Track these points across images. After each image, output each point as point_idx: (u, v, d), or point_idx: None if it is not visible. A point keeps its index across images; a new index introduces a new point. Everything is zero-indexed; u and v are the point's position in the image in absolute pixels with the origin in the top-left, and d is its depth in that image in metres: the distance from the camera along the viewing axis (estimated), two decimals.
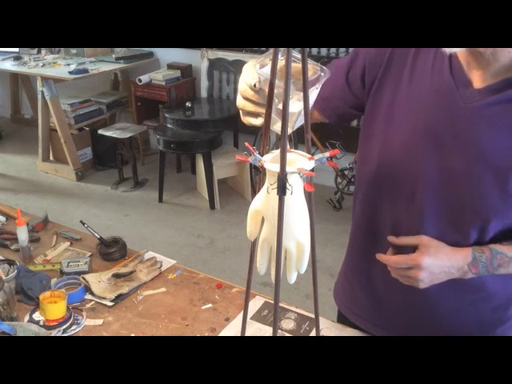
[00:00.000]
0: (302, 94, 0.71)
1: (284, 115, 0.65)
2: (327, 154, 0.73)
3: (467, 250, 0.93)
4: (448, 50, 0.85)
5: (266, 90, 0.76)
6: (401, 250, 0.98)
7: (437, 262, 0.93)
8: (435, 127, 0.92)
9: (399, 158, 0.97)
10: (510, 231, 0.94)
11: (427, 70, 0.93)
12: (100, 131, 3.91)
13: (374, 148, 1.01)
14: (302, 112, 0.74)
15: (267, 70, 0.81)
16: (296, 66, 0.74)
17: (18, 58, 4.36)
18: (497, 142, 0.87)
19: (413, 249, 0.96)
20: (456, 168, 0.91)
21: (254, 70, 0.80)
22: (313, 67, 0.79)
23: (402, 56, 0.96)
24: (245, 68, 0.85)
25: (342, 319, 1.25)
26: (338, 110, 1.10)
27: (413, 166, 0.95)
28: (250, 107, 0.82)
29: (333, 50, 3.56)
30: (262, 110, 0.80)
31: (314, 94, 0.77)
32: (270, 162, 0.72)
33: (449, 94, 0.90)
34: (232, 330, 1.17)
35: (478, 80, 0.88)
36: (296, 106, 0.75)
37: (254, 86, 0.78)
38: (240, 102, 0.83)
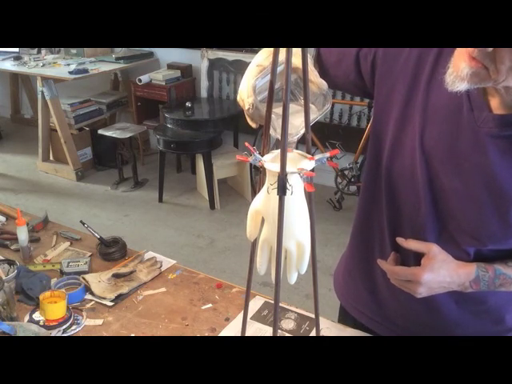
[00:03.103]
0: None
1: (284, 115, 0.65)
2: (327, 154, 0.73)
3: (471, 266, 0.93)
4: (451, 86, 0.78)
5: (261, 110, 0.80)
6: (405, 252, 0.98)
7: (437, 279, 0.92)
8: (444, 144, 0.90)
9: (407, 167, 0.95)
10: (506, 255, 0.94)
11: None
12: (100, 131, 3.91)
13: (383, 150, 0.99)
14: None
15: (267, 79, 0.82)
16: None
17: (18, 58, 4.35)
18: (504, 172, 0.86)
19: (414, 253, 0.96)
20: (458, 189, 0.90)
21: (251, 88, 0.81)
22: (318, 86, 0.80)
23: (420, 58, 0.92)
24: (248, 71, 0.86)
25: (343, 313, 1.26)
26: (337, 79, 1.04)
27: (418, 178, 0.94)
28: (247, 113, 0.84)
29: None
30: (257, 121, 0.84)
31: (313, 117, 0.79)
32: (270, 161, 0.72)
33: (464, 113, 0.87)
34: (232, 329, 1.17)
35: (494, 106, 0.85)
36: (296, 124, 0.77)
37: (248, 110, 0.82)
38: (240, 103, 0.85)
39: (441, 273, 0.92)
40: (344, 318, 1.25)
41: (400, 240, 0.97)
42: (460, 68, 0.76)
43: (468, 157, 0.88)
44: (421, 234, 0.97)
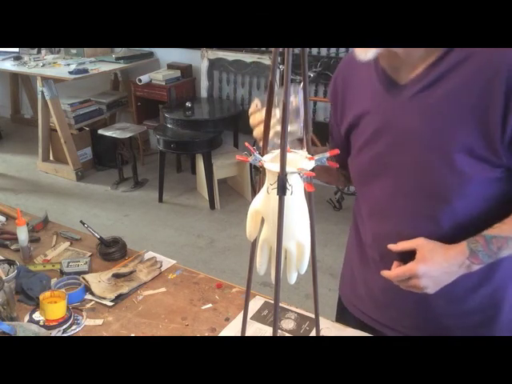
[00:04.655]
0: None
1: (284, 115, 0.65)
2: (327, 154, 0.73)
3: (462, 244, 0.95)
4: (364, 56, 0.89)
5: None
6: (403, 256, 1.00)
7: (433, 266, 0.94)
8: (381, 128, 1.00)
9: (367, 164, 1.05)
10: (480, 215, 0.96)
11: (366, 82, 1.02)
12: (100, 131, 3.91)
13: (352, 153, 1.11)
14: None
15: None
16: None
17: (18, 58, 4.35)
18: (428, 127, 0.93)
19: (411, 256, 0.98)
20: (407, 161, 0.97)
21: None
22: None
23: (349, 75, 1.08)
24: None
25: (342, 311, 1.29)
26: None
27: (377, 166, 1.03)
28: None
29: (333, 50, 3.56)
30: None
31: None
32: (269, 161, 0.72)
33: (381, 97, 0.99)
34: (232, 329, 1.17)
35: (402, 77, 0.96)
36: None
37: (257, 105, 0.99)
38: (258, 136, 0.99)
39: (435, 260, 0.94)
40: (343, 315, 1.28)
41: (391, 246, 1.01)
42: None
43: (399, 130, 0.97)
44: (396, 223, 1.02)
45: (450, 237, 0.96)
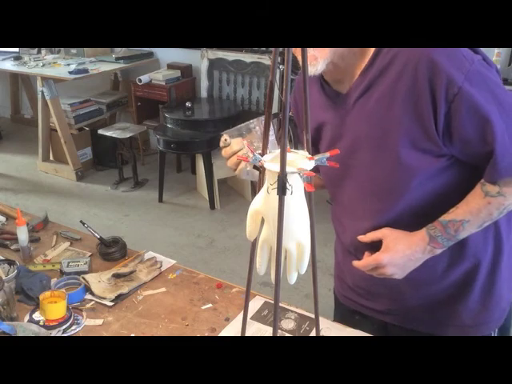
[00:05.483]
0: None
1: (284, 113, 0.65)
2: (327, 154, 0.73)
3: (422, 231, 1.00)
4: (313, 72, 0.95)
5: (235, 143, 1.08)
6: (376, 245, 1.05)
7: (396, 255, 1.00)
8: (336, 136, 1.06)
9: (332, 169, 1.10)
10: (442, 203, 1.00)
11: (315, 97, 1.09)
12: (100, 131, 3.91)
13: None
14: None
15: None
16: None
17: (18, 58, 4.35)
18: (372, 129, 0.98)
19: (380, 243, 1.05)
20: (362, 163, 1.03)
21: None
22: None
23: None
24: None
25: (336, 298, 1.36)
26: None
27: (340, 171, 1.07)
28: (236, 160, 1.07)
29: None
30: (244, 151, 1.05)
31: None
32: (270, 161, 0.72)
33: (330, 108, 1.06)
34: (232, 330, 1.17)
35: (344, 88, 1.03)
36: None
37: (225, 140, 1.10)
38: (232, 167, 1.12)
39: (398, 248, 1.00)
40: (337, 309, 1.35)
41: (361, 237, 1.07)
42: (309, 54, 0.90)
43: (351, 135, 1.03)
44: (365, 220, 1.07)
45: (412, 227, 1.02)
